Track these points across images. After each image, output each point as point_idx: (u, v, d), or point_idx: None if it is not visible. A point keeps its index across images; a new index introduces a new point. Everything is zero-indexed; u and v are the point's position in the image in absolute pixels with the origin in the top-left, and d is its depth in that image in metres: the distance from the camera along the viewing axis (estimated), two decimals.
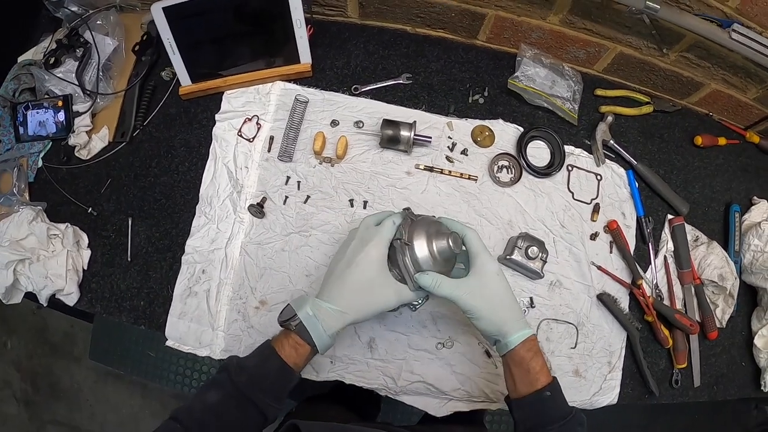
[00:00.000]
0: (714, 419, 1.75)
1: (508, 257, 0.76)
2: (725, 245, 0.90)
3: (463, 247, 0.58)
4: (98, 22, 0.89)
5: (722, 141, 0.97)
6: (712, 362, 0.86)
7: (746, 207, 0.94)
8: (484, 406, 0.76)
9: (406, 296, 0.56)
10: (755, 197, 0.95)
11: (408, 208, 0.62)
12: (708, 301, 0.86)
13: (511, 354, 0.56)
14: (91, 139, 0.85)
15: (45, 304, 0.80)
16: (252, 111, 0.82)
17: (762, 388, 0.87)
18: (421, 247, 0.55)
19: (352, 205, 0.78)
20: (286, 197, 0.77)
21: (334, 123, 0.81)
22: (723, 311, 0.87)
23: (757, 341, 0.86)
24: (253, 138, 0.80)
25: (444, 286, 0.55)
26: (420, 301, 0.60)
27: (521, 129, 0.85)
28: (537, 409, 0.54)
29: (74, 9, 0.91)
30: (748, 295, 0.91)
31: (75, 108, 0.86)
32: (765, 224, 0.88)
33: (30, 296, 0.79)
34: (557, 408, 0.55)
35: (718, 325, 0.86)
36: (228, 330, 0.74)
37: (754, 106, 0.97)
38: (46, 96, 0.88)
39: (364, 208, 0.78)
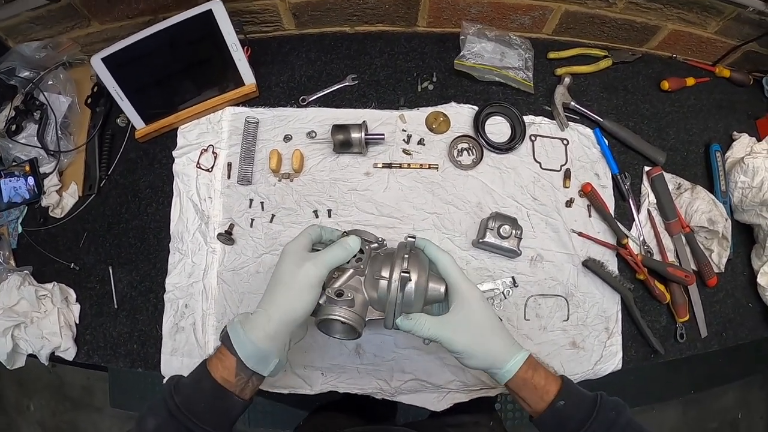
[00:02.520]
0: (736, 360, 1.73)
1: (481, 240, 0.75)
2: (711, 188, 0.87)
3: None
4: (50, 82, 0.91)
5: (691, 81, 0.94)
6: (716, 309, 0.83)
7: (727, 145, 0.91)
8: (482, 394, 0.75)
9: (325, 258, 0.51)
10: (735, 132, 0.92)
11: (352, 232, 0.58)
12: (702, 247, 0.84)
13: (511, 381, 0.53)
14: (62, 197, 0.87)
15: (46, 363, 0.82)
16: (207, 141, 0.82)
17: None
18: (417, 290, 0.51)
19: (317, 216, 0.78)
20: (252, 220, 0.78)
21: (287, 138, 0.81)
22: (719, 255, 0.84)
23: (761, 279, 0.83)
24: (212, 167, 0.81)
25: (427, 326, 0.51)
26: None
27: (476, 108, 0.83)
28: (558, 422, 0.52)
29: (26, 74, 0.93)
30: (744, 234, 0.88)
31: (42, 170, 0.88)
32: (749, 159, 0.85)
33: (32, 357, 0.82)
34: (577, 410, 0.51)
35: (716, 271, 0.83)
36: None
37: (718, 40, 0.93)
38: (14, 163, 0.90)
39: (329, 216, 0.78)
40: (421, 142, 0.81)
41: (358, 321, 0.51)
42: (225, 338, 0.50)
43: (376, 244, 0.56)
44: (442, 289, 0.54)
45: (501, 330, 0.54)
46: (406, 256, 0.51)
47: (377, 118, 0.81)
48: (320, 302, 0.51)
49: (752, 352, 1.75)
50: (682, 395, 1.71)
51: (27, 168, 0.88)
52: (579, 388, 0.54)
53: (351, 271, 0.53)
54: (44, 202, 0.86)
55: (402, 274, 0.50)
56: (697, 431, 1.73)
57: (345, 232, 0.57)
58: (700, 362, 1.69)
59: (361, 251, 0.54)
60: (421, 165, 0.79)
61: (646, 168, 0.85)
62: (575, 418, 0.50)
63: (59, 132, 0.88)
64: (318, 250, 0.54)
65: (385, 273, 0.51)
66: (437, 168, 0.80)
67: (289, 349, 0.53)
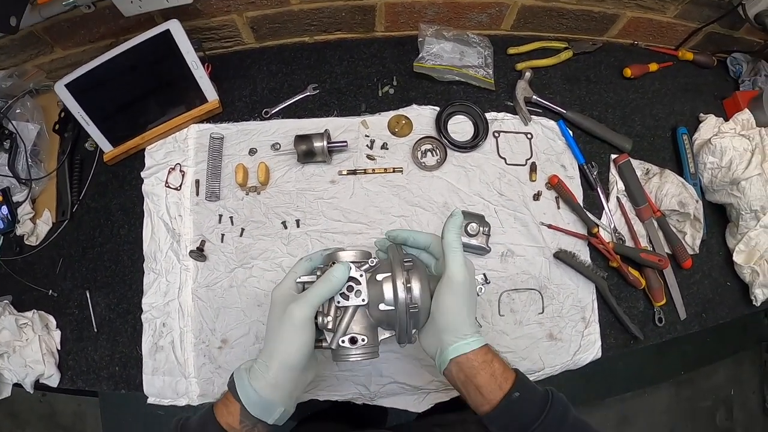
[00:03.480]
0: (725, 337, 1.74)
1: None
2: (680, 171, 0.88)
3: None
4: (17, 110, 0.91)
5: (653, 67, 0.95)
6: (694, 291, 0.84)
7: (694, 127, 0.91)
8: None
9: (311, 296, 0.49)
10: (702, 114, 0.93)
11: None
12: (674, 230, 0.85)
13: (466, 360, 0.49)
14: (36, 225, 0.87)
15: (31, 391, 0.83)
16: (174, 160, 0.83)
17: (753, 302, 0.84)
18: (423, 301, 0.50)
19: (285, 227, 0.78)
20: (223, 235, 0.79)
21: (252, 151, 0.82)
22: (693, 237, 0.84)
23: (737, 257, 0.84)
24: (180, 186, 0.81)
25: (454, 232, 0.50)
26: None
27: (438, 108, 0.84)
28: (513, 415, 0.48)
29: None
30: (717, 215, 0.89)
31: (14, 198, 0.89)
32: (716, 139, 0.85)
33: (18, 386, 0.82)
34: (531, 404, 0.48)
35: (691, 252, 0.84)
36: (199, 375, 0.75)
37: (678, 23, 0.94)
38: None
39: (298, 226, 0.78)
40: (384, 146, 0.81)
41: (374, 350, 0.52)
42: (231, 385, 0.50)
43: (368, 265, 0.52)
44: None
45: (473, 308, 0.52)
46: (405, 273, 0.50)
47: (340, 126, 0.82)
48: (333, 347, 0.50)
49: (740, 329, 1.76)
50: (674, 377, 1.72)
51: (0, 198, 0.88)
52: (531, 382, 0.51)
53: (353, 308, 0.51)
54: (19, 231, 0.86)
55: (410, 304, 0.49)
56: (690, 411, 1.74)
57: (330, 255, 0.54)
58: (689, 343, 1.69)
59: (357, 281, 0.51)
60: (385, 169, 0.80)
61: (613, 156, 0.86)
62: (529, 412, 0.48)
63: (29, 160, 0.89)
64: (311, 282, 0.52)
65: (389, 294, 0.50)
66: (402, 171, 0.80)
67: (300, 396, 0.53)
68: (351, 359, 0.50)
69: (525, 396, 0.49)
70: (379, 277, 0.51)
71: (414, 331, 0.51)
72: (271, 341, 0.49)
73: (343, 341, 0.50)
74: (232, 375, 0.51)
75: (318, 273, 0.53)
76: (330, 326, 0.50)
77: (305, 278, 0.53)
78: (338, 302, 0.51)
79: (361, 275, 0.51)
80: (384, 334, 0.53)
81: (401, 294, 0.49)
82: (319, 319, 0.50)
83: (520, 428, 0.48)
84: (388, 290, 0.50)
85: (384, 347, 0.74)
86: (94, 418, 1.69)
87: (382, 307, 0.50)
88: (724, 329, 1.69)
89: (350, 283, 0.51)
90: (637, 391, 1.69)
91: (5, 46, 0.84)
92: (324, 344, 0.51)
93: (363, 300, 0.51)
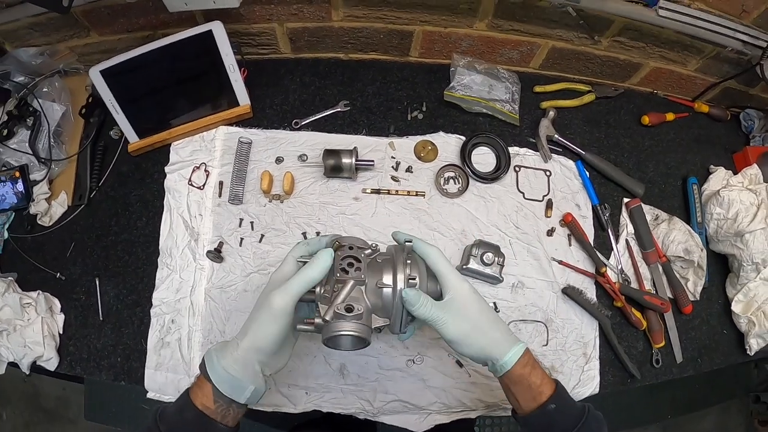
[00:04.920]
0: (714, 385, 1.75)
1: (464, 267, 0.77)
2: (687, 219, 0.91)
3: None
4: (44, 89, 0.91)
5: (670, 116, 0.98)
6: (692, 336, 0.86)
7: (704, 178, 0.94)
8: (463, 416, 0.76)
9: (291, 285, 0.49)
10: (712, 166, 0.95)
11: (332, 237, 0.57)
12: (678, 276, 0.87)
13: (508, 375, 0.52)
14: (51, 206, 0.87)
15: (27, 372, 0.82)
16: (199, 159, 0.84)
17: (747, 352, 0.86)
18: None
19: (305, 238, 0.79)
20: (242, 239, 0.79)
21: (279, 160, 0.83)
22: (695, 284, 0.87)
23: (735, 307, 0.86)
24: (203, 185, 0.82)
25: (429, 305, 0.51)
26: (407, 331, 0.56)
27: (463, 138, 0.86)
28: (545, 424, 0.52)
29: (20, 79, 0.93)
30: (719, 264, 0.91)
31: (32, 177, 0.88)
32: (724, 191, 0.88)
33: (13, 365, 0.82)
34: (566, 416, 0.51)
35: (691, 299, 0.86)
36: None
37: (697, 77, 0.97)
38: (3, 168, 0.90)
39: None
40: (409, 169, 0.83)
41: (367, 332, 0.51)
42: (202, 366, 0.51)
43: (369, 250, 0.55)
44: (439, 287, 0.54)
45: (497, 320, 0.54)
46: (408, 261, 0.52)
47: (367, 145, 0.84)
48: (327, 318, 0.49)
49: (730, 377, 1.77)
50: (662, 420, 1.71)
51: (16, 173, 0.88)
52: (570, 396, 0.54)
53: (352, 282, 0.51)
54: (32, 210, 0.86)
55: (409, 280, 0.50)
56: None
57: (328, 241, 0.56)
58: (679, 387, 1.70)
59: (357, 260, 0.53)
60: (408, 192, 0.82)
61: (626, 199, 0.89)
62: (562, 424, 0.51)
63: (51, 140, 0.89)
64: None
65: (388, 280, 0.51)
66: (424, 195, 0.82)
67: (268, 377, 0.53)
68: (344, 332, 0.49)
69: (561, 409, 0.51)
70: (380, 259, 0.53)
71: (410, 320, 0.52)
72: (248, 321, 0.51)
73: (338, 308, 0.50)
74: (203, 356, 0.51)
75: (318, 289, 0.53)
76: (327, 295, 0.51)
77: (305, 258, 0.54)
78: (338, 275, 0.52)
79: (363, 254, 0.53)
80: (378, 322, 0.54)
81: (401, 280, 0.50)
82: (318, 289, 0.51)
83: None
84: (388, 274, 0.51)
85: (392, 365, 0.76)
86: (77, 404, 1.66)
87: (379, 284, 0.51)
88: (714, 377, 1.71)
89: (351, 260, 0.53)
90: (626, 431, 1.68)
91: (41, 24, 0.84)
92: (317, 319, 0.51)
93: (362, 276, 0.52)
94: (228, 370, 0.49)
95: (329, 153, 0.78)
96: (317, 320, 0.50)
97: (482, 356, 0.53)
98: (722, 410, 1.80)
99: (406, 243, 0.54)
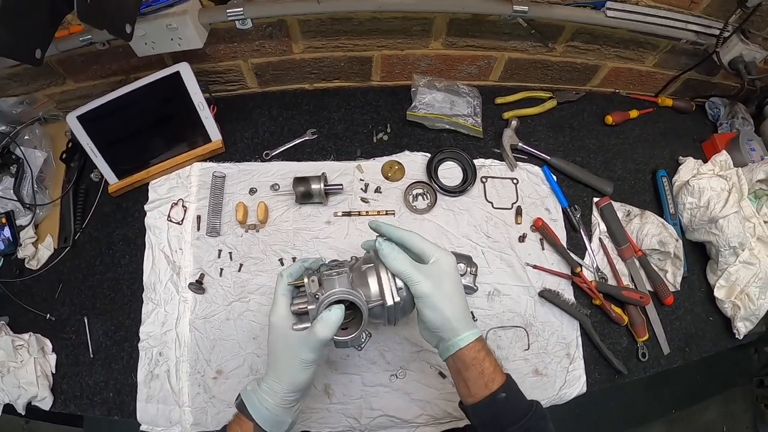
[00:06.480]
0: (715, 374, 1.74)
1: None
2: (660, 212, 0.92)
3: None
4: (26, 137, 0.95)
5: (634, 113, 1.00)
6: (677, 326, 0.87)
7: (674, 170, 0.95)
8: (452, 426, 0.78)
9: (314, 341, 0.52)
10: (681, 157, 0.97)
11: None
12: (656, 269, 0.88)
13: (460, 355, 0.53)
14: (38, 249, 0.90)
15: (23, 412, 0.84)
16: (177, 195, 0.87)
17: (736, 336, 0.87)
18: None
19: (282, 264, 0.82)
20: (222, 269, 0.82)
21: (252, 191, 0.86)
22: (674, 275, 0.88)
23: (718, 293, 0.87)
24: (182, 220, 0.85)
25: (402, 260, 0.53)
26: (364, 338, 0.61)
27: (429, 155, 0.89)
28: (494, 412, 0.52)
29: (2, 128, 0.96)
30: (697, 252, 0.92)
31: (18, 222, 0.91)
32: (694, 180, 0.89)
33: (9, 409, 0.84)
34: (515, 408, 0.53)
35: (672, 289, 0.87)
36: (193, 404, 0.78)
37: (657, 72, 0.99)
38: None
39: None
40: (378, 190, 0.86)
41: (359, 297, 0.54)
42: (240, 405, 0.55)
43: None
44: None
45: (465, 302, 0.55)
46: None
47: (336, 169, 0.87)
48: (317, 295, 0.53)
49: (730, 365, 1.76)
50: (666, 415, 1.70)
51: (2, 220, 0.91)
52: (520, 390, 0.55)
53: (337, 274, 0.55)
54: (20, 254, 0.89)
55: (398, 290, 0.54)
56: None
57: (308, 268, 0.59)
58: (679, 380, 1.69)
59: (341, 265, 0.58)
60: (378, 212, 0.84)
61: (595, 199, 0.91)
62: (510, 415, 0.51)
63: (35, 186, 0.92)
64: (298, 305, 0.55)
65: (375, 288, 0.55)
66: (394, 213, 0.85)
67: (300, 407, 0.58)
68: (337, 296, 0.52)
69: (510, 399, 0.53)
70: (363, 267, 0.57)
71: (381, 239, 0.55)
72: (279, 368, 0.54)
73: (338, 335, 0.53)
74: (239, 397, 0.56)
75: (306, 279, 0.55)
76: (316, 289, 0.54)
77: (299, 306, 0.56)
78: (327, 275, 0.55)
79: (344, 261, 0.59)
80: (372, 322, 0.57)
81: (388, 288, 0.55)
82: (306, 279, 0.54)
83: (499, 428, 0.52)
84: (373, 281, 0.55)
85: (375, 381, 0.77)
86: None
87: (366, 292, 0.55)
88: (713, 365, 1.70)
89: (335, 263, 0.59)
90: (629, 430, 1.67)
91: (19, 74, 0.88)
92: (309, 306, 0.53)
93: (347, 271, 0.56)
94: (272, 411, 0.54)
95: (299, 180, 0.82)
96: (310, 307, 0.53)
97: (443, 326, 0.53)
98: (726, 399, 1.79)
99: (378, 239, 0.56)
